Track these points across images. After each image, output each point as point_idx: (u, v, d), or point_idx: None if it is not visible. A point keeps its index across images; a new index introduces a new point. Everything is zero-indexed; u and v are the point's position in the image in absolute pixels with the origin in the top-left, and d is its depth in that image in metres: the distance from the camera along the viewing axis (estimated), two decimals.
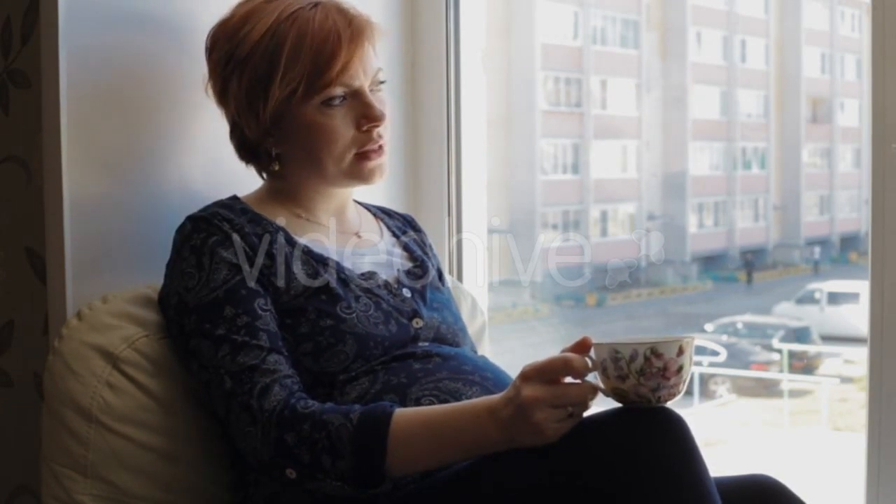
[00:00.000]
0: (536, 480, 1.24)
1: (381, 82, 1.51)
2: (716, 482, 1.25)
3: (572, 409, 1.25)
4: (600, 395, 1.27)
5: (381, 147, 1.50)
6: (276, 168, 1.51)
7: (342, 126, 1.47)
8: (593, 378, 1.27)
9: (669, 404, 1.25)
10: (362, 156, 1.49)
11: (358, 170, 1.49)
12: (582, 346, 1.26)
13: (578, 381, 1.25)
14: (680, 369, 1.21)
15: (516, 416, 1.24)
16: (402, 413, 1.31)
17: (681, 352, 1.21)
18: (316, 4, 1.48)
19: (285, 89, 1.44)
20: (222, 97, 1.51)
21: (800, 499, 1.37)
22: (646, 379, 1.21)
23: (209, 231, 1.43)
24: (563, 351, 1.27)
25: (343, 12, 1.48)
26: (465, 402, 1.32)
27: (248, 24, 1.47)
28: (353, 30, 1.46)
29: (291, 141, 1.49)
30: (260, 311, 1.39)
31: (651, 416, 1.23)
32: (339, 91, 1.46)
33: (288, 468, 1.31)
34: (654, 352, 1.20)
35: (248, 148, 1.53)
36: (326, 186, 1.53)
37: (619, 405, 1.26)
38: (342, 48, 1.44)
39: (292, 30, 1.44)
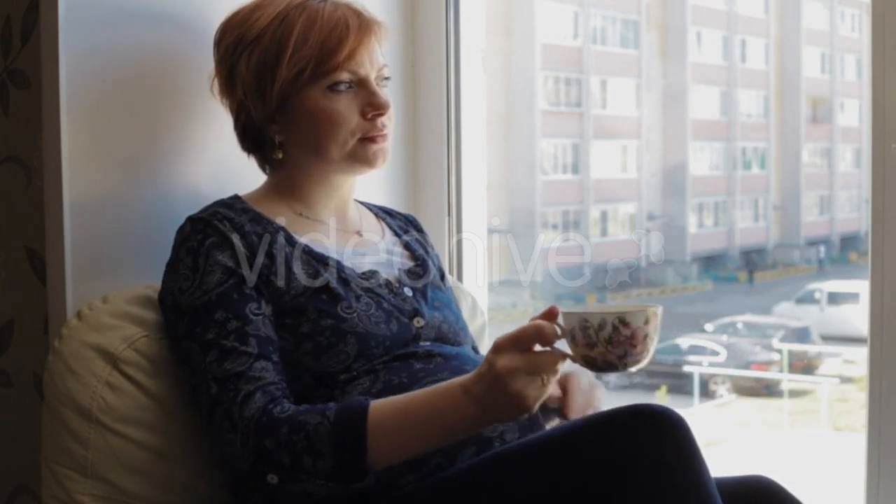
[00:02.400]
0: (537, 484, 1.24)
1: (386, 78, 1.53)
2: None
3: (545, 378, 1.26)
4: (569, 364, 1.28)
5: (384, 134, 1.51)
6: (280, 156, 1.52)
7: (347, 112, 1.48)
8: (561, 346, 1.28)
9: (637, 370, 1.26)
10: (366, 139, 1.50)
11: (362, 152, 1.50)
12: (550, 315, 1.27)
13: (548, 349, 1.26)
14: (646, 337, 1.24)
15: (492, 389, 1.25)
16: (377, 405, 1.31)
17: (647, 321, 1.23)
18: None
19: (293, 69, 1.46)
20: (229, 83, 1.52)
21: (797, 499, 1.37)
22: (613, 346, 1.23)
23: (206, 233, 1.43)
24: (532, 320, 1.28)
25: (352, 7, 1.51)
26: (438, 385, 1.32)
27: (257, 11, 1.50)
28: (361, 22, 1.49)
29: (296, 126, 1.50)
30: (251, 316, 1.39)
31: (652, 418, 1.23)
32: (345, 76, 1.48)
33: (269, 473, 1.31)
34: (622, 321, 1.22)
35: (251, 136, 1.54)
36: (329, 175, 1.53)
37: (614, 407, 1.27)
38: (350, 36, 1.47)
39: (302, 16, 1.47)
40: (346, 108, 1.48)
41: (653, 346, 1.25)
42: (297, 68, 1.46)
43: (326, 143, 1.49)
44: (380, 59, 1.52)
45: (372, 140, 1.50)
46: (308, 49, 1.46)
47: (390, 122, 1.52)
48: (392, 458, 1.31)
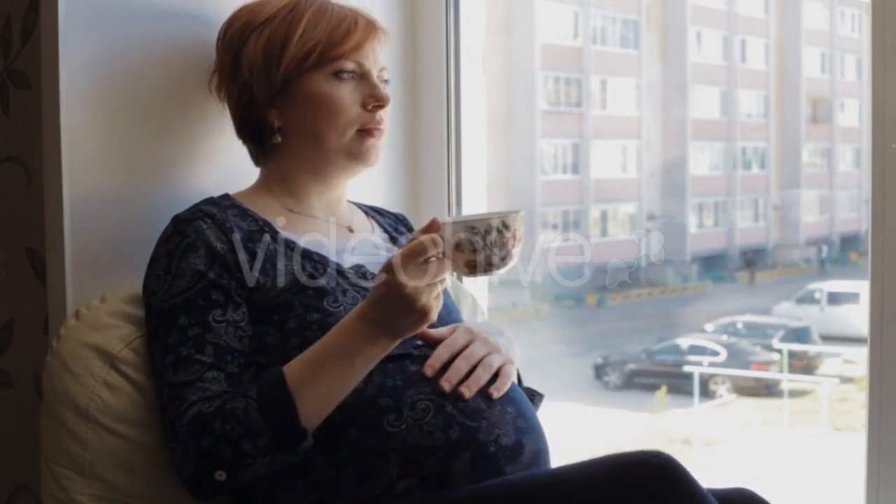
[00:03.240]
0: None
1: (385, 81, 1.56)
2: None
3: (440, 287, 1.31)
4: None
5: (381, 129, 1.53)
6: (278, 140, 1.52)
7: (349, 100, 1.50)
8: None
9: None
10: (364, 132, 1.51)
11: (357, 146, 1.51)
12: (432, 228, 1.31)
13: (434, 259, 1.31)
14: (520, 239, 1.35)
15: (398, 308, 1.29)
16: (289, 366, 1.34)
17: (520, 223, 1.34)
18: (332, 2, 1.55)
19: (301, 50, 1.48)
20: (234, 67, 1.54)
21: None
22: (498, 248, 1.32)
23: (185, 233, 1.44)
24: (414, 235, 1.32)
25: (358, 9, 1.55)
26: (338, 326, 1.34)
27: (265, 4, 1.54)
28: (367, 21, 1.53)
29: (297, 110, 1.51)
30: (213, 323, 1.40)
31: (657, 468, 1.24)
32: (350, 66, 1.51)
33: (216, 472, 1.32)
34: (504, 224, 1.32)
35: (250, 121, 1.54)
36: (324, 168, 1.54)
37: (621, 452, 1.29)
38: (358, 29, 1.51)
39: (312, 6, 1.52)
40: (348, 96, 1.51)
41: (520, 247, 1.35)
42: (306, 49, 1.49)
43: (325, 130, 1.50)
44: (381, 60, 1.55)
45: (369, 133, 1.52)
46: (317, 33, 1.49)
47: (387, 118, 1.54)
48: (322, 410, 1.34)
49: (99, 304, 1.51)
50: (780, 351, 13.19)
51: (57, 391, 1.46)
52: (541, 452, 1.42)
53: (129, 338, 1.48)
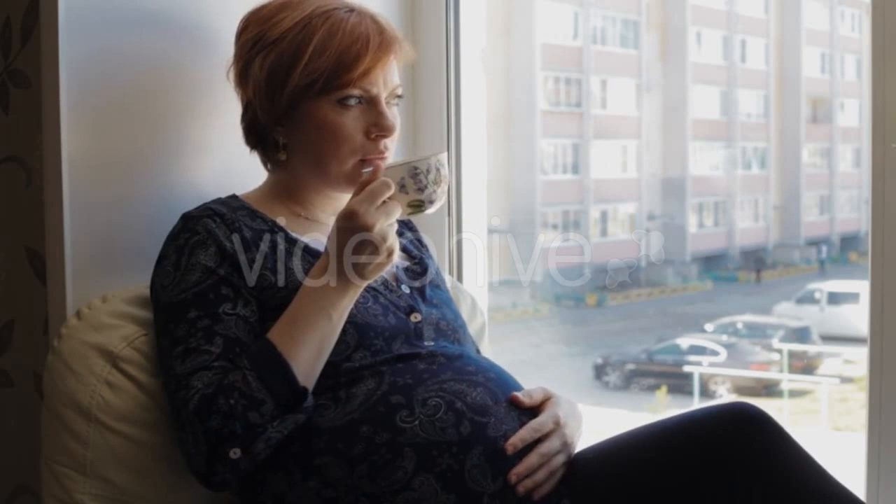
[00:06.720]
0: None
1: (399, 97, 1.53)
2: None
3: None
4: None
5: (385, 157, 1.51)
6: (283, 157, 1.52)
7: (352, 128, 1.48)
8: None
9: None
10: (365, 162, 1.49)
11: (359, 175, 1.48)
12: (376, 173, 1.37)
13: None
14: (448, 177, 1.44)
15: (365, 254, 1.34)
16: (273, 333, 1.37)
17: (446, 161, 1.43)
18: (352, 10, 1.50)
19: (305, 79, 1.46)
20: (242, 77, 1.52)
21: (778, 424, 1.37)
22: (437, 186, 1.40)
23: (195, 231, 1.44)
24: (362, 183, 1.36)
25: (377, 22, 1.50)
26: (304, 285, 1.39)
27: (282, 12, 1.50)
28: (382, 39, 1.49)
29: (301, 133, 1.50)
30: (223, 316, 1.40)
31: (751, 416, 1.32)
32: (356, 92, 1.48)
33: (230, 450, 1.33)
34: (439, 162, 1.41)
35: (256, 133, 1.54)
36: (327, 187, 1.54)
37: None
38: (368, 53, 1.47)
39: (324, 26, 1.47)
40: (352, 124, 1.48)
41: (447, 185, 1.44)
42: (310, 79, 1.46)
43: (327, 157, 1.49)
44: (394, 79, 1.51)
45: (371, 164, 1.49)
46: (324, 61, 1.45)
47: (393, 144, 1.52)
48: (314, 367, 1.37)
49: (100, 304, 1.51)
50: (779, 351, 13.20)
51: (58, 390, 1.46)
52: None
53: (131, 337, 1.48)
